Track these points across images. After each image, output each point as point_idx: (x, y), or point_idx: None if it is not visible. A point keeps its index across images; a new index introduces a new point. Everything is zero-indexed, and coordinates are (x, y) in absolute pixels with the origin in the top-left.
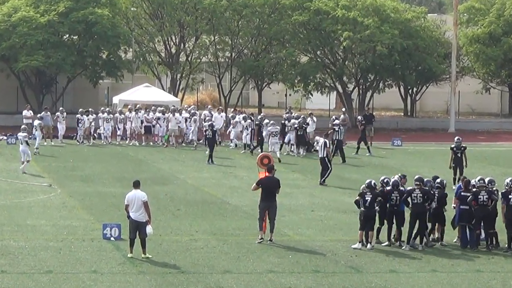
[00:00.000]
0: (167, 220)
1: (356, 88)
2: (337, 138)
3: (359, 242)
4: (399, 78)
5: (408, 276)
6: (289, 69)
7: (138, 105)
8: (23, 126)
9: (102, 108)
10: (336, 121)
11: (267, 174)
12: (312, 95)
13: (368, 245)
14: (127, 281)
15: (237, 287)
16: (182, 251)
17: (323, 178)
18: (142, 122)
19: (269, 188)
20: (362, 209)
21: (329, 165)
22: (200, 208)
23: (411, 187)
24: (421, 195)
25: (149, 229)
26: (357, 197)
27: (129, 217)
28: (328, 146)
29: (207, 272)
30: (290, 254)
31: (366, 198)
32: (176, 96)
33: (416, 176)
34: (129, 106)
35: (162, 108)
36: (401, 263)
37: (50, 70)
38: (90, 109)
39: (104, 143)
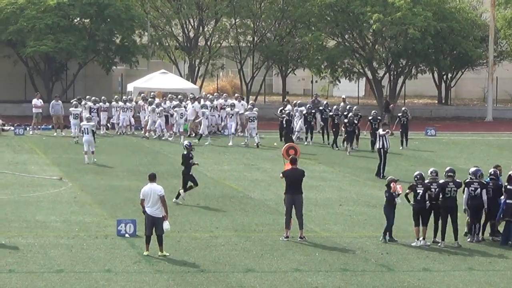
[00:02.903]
0: (185, 216)
1: (387, 74)
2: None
3: (417, 239)
4: (432, 63)
5: (443, 274)
6: (315, 54)
7: (152, 93)
8: (87, 115)
9: (116, 97)
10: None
11: (291, 166)
12: (339, 81)
13: (422, 241)
14: (143, 281)
15: (260, 287)
16: (201, 249)
17: (382, 172)
18: (154, 111)
19: (294, 180)
20: (413, 203)
21: (383, 157)
22: (221, 203)
23: (444, 180)
24: (455, 188)
25: (166, 225)
26: (407, 190)
27: (144, 212)
28: (386, 138)
29: (228, 271)
30: (317, 252)
31: (418, 191)
32: (195, 83)
33: (448, 168)
34: (142, 95)
35: (180, 96)
36: (435, 260)
37: (60, 55)
38: (80, 97)
39: (119, 133)
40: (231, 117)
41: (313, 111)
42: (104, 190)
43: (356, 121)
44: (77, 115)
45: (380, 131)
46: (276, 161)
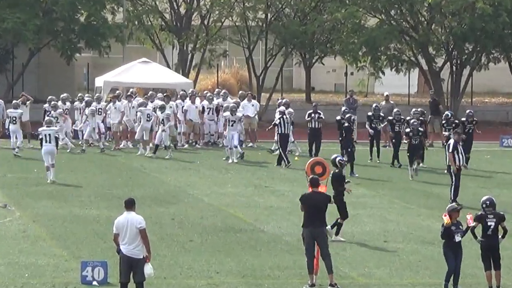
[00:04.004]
0: (174, 256)
1: (447, 63)
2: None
3: (489, 287)
4: (509, 49)
5: None
6: (350, 36)
7: (132, 89)
8: (49, 118)
9: (80, 95)
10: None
11: (311, 189)
12: (383, 73)
13: None
14: None
15: None
16: None
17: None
18: (137, 114)
19: (314, 208)
20: (482, 239)
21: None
22: (223, 239)
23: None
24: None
25: (148, 269)
26: (473, 223)
27: (119, 251)
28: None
29: None
30: None
31: (489, 224)
32: (187, 76)
33: (485, 197)
34: (117, 91)
35: (165, 94)
36: None
37: (3, 39)
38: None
39: (85, 145)
40: (232, 125)
41: (353, 117)
42: (64, 221)
43: (421, 129)
44: (15, 118)
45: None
46: (299, 182)
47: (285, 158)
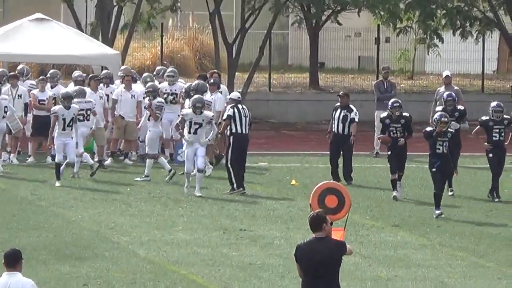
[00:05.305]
0: None
1: None
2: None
3: None
4: None
5: None
6: None
7: (21, 66)
8: None
9: None
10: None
11: (315, 235)
12: (441, 39)
13: None
14: None
15: None
16: None
17: None
18: (27, 107)
19: (315, 266)
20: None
21: None
22: None
23: None
24: None
25: None
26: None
27: None
28: None
29: None
30: None
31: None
32: (112, 45)
33: None
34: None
35: (79, 75)
36: None
37: None
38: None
39: None
40: (195, 131)
41: (394, 115)
42: None
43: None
44: None
45: None
46: (297, 222)
47: (233, 176)
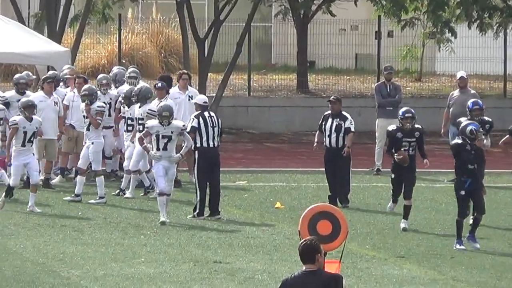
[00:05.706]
0: None
1: None
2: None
3: None
4: None
5: None
6: None
7: None
8: None
9: None
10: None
11: (305, 267)
12: (454, 34)
13: None
14: None
15: None
16: None
17: None
18: None
19: None
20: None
21: None
22: None
23: None
24: None
25: None
26: None
27: None
28: None
29: None
30: None
31: None
32: (60, 41)
33: None
34: None
35: (20, 76)
36: None
37: None
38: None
39: None
40: (165, 146)
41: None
42: None
43: None
44: None
45: None
46: (283, 252)
47: (198, 199)
